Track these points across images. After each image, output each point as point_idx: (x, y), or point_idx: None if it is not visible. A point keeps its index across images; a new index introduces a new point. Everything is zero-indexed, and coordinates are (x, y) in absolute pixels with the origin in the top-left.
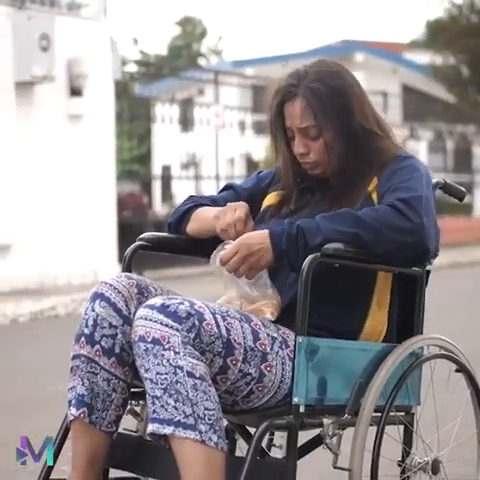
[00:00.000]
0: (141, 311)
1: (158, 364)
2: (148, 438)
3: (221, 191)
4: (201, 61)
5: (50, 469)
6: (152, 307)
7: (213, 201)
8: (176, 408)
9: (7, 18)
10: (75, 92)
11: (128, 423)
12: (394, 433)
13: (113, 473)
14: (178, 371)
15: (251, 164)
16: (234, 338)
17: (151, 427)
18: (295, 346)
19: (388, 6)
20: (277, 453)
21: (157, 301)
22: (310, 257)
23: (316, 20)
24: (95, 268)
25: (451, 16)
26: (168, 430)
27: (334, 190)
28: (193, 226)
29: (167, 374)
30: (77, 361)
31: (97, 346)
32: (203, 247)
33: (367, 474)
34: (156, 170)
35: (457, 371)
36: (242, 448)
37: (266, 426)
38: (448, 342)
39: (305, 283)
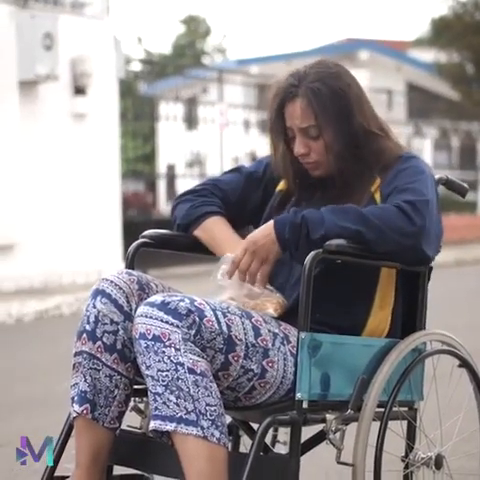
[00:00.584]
0: (141, 309)
1: (159, 361)
2: (151, 435)
3: (229, 171)
4: (205, 60)
5: (54, 467)
6: (152, 304)
7: (214, 186)
8: (178, 404)
9: (10, 17)
10: (79, 91)
11: (131, 420)
12: (397, 428)
13: (117, 470)
14: (179, 368)
15: None
16: (235, 334)
17: (153, 424)
18: (298, 342)
19: (392, 4)
20: (281, 449)
21: (157, 298)
22: (312, 253)
23: (320, 18)
24: (100, 267)
25: (456, 14)
26: (170, 427)
27: (335, 191)
28: (201, 235)
29: (168, 371)
30: (79, 358)
31: (99, 342)
32: (204, 245)
33: (370, 469)
34: (161, 169)
35: (460, 366)
36: (246, 444)
37: (269, 422)
38: (450, 337)
39: (308, 279)
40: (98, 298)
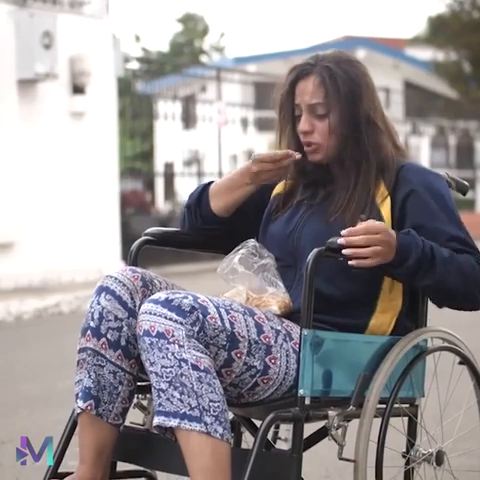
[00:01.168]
0: (145, 306)
1: (163, 357)
2: (154, 431)
3: None
4: (203, 58)
5: (58, 463)
6: (156, 301)
7: None
8: (181, 401)
9: (9, 16)
10: (78, 90)
11: (134, 417)
12: (398, 425)
13: (120, 466)
14: (183, 364)
15: None
16: (238, 331)
17: (157, 420)
18: (300, 339)
19: (390, 2)
20: (282, 446)
21: (161, 295)
22: (315, 251)
23: (318, 16)
24: (99, 265)
25: (453, 12)
26: (174, 422)
27: (336, 191)
28: (218, 195)
29: (172, 367)
30: (83, 354)
31: (103, 339)
32: (207, 242)
33: (372, 465)
34: (159, 167)
35: (460, 363)
36: (248, 441)
37: (272, 418)
38: (451, 334)
39: (310, 276)
40: (102, 295)
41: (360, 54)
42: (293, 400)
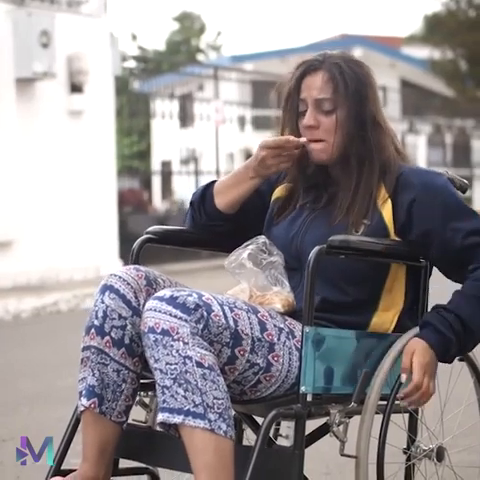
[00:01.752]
0: (150, 303)
1: (167, 354)
2: (157, 428)
3: None
4: (200, 57)
5: (60, 461)
6: (161, 299)
7: None
8: (185, 397)
9: (7, 15)
10: (75, 88)
11: (136, 415)
12: (399, 421)
13: (122, 463)
14: (187, 361)
15: None
16: (242, 329)
17: (161, 416)
18: (302, 336)
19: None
20: (283, 442)
21: (166, 293)
22: (317, 248)
23: (314, 15)
24: (97, 264)
25: (449, 10)
26: (178, 419)
27: (337, 191)
28: (222, 191)
29: (176, 364)
30: (87, 352)
31: (107, 337)
32: (208, 240)
33: (373, 461)
34: (156, 166)
35: (460, 360)
36: (249, 438)
37: (274, 415)
38: None
39: (312, 274)
40: (106, 293)
41: (357, 52)
42: (295, 397)
